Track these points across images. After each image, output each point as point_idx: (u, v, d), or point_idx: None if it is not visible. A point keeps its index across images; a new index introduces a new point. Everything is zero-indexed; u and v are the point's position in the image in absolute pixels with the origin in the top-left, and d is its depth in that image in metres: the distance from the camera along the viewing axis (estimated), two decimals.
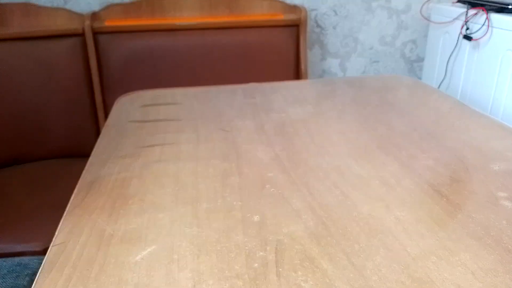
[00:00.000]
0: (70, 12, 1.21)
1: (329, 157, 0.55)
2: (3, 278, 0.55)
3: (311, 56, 1.48)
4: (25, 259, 0.61)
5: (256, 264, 0.36)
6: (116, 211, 0.45)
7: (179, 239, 0.40)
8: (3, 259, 0.63)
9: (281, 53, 1.29)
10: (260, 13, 1.31)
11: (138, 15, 1.25)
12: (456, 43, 1.25)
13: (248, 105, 0.75)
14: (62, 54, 1.16)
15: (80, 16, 1.20)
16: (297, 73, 1.31)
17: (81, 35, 1.16)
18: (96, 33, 1.17)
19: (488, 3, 1.14)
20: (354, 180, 0.50)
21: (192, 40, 1.24)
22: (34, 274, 0.37)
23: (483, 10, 1.14)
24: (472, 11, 1.18)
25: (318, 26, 1.44)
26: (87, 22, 1.15)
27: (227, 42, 1.25)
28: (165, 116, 0.71)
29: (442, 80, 1.35)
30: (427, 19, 1.44)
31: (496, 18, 1.11)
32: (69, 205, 0.46)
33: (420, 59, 1.55)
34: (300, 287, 0.34)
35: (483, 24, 1.13)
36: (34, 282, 0.36)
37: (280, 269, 0.36)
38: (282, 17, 1.28)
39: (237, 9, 1.30)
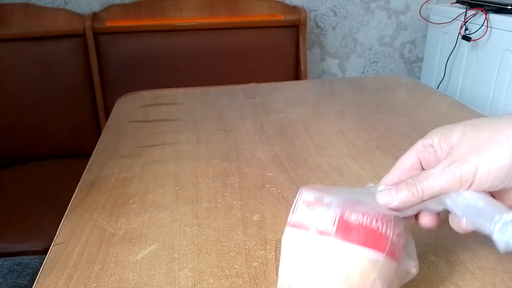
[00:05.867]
0: (70, 13, 1.21)
1: (328, 157, 0.56)
2: (4, 278, 0.55)
3: (310, 57, 1.48)
4: (26, 259, 0.61)
5: (256, 263, 0.37)
6: (117, 210, 0.45)
7: (179, 238, 0.40)
8: (4, 258, 0.63)
9: (280, 53, 1.30)
10: (260, 13, 1.31)
11: (139, 15, 1.25)
12: (455, 44, 1.26)
13: (248, 105, 0.76)
14: (62, 54, 1.17)
15: (80, 16, 1.20)
16: (296, 74, 1.31)
17: (82, 35, 1.16)
18: (96, 34, 1.18)
19: (487, 4, 1.15)
20: (353, 180, 0.50)
21: (192, 41, 1.24)
22: (35, 273, 0.37)
23: (481, 11, 1.14)
24: (471, 12, 1.18)
25: (318, 26, 1.45)
26: (88, 23, 1.15)
27: (227, 43, 1.26)
28: (165, 116, 0.72)
29: (441, 81, 1.35)
30: (426, 19, 1.44)
31: (495, 18, 1.11)
32: (70, 204, 0.46)
33: (419, 60, 1.55)
34: None
35: (482, 25, 1.13)
36: (35, 281, 0.36)
37: None
38: (281, 17, 1.28)
39: (237, 10, 1.30)
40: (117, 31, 1.19)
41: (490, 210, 0.26)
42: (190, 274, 0.36)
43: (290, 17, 1.27)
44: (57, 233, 0.42)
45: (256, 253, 0.38)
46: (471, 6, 1.19)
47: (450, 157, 0.27)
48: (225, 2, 1.29)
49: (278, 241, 0.39)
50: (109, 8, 1.24)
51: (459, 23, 1.22)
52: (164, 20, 1.26)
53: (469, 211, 0.26)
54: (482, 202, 0.26)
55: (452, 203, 0.27)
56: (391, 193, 0.28)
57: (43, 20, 1.19)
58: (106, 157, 0.57)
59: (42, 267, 0.37)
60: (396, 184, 0.28)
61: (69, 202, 0.47)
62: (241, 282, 0.35)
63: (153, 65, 1.22)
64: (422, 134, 0.31)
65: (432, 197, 0.27)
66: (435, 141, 0.29)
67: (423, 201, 0.28)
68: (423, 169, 0.30)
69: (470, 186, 0.26)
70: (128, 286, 0.35)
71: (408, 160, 0.31)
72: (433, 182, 0.27)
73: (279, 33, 1.28)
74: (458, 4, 1.28)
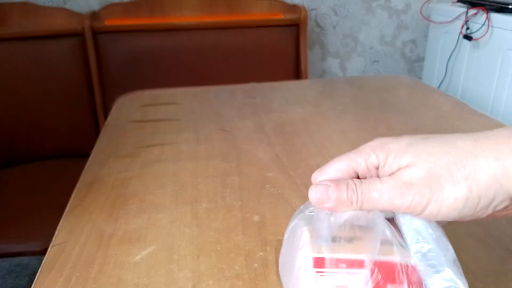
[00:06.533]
0: (69, 12, 1.20)
1: (329, 157, 0.55)
2: (3, 279, 0.55)
3: (311, 56, 1.48)
4: (24, 259, 0.61)
5: (256, 264, 0.36)
6: (116, 211, 0.44)
7: (178, 239, 0.40)
8: (3, 259, 0.63)
9: (281, 53, 1.29)
10: (260, 12, 1.31)
11: (138, 14, 1.25)
12: (456, 43, 1.25)
13: (248, 105, 0.75)
14: (61, 54, 1.16)
15: (79, 15, 1.19)
16: (297, 73, 1.31)
17: (81, 34, 1.16)
18: (95, 33, 1.17)
19: (488, 3, 1.14)
20: None
21: (192, 40, 1.24)
22: (34, 274, 0.36)
23: (483, 10, 1.14)
24: (472, 11, 1.18)
25: (318, 25, 1.44)
26: (87, 22, 1.15)
27: (226, 42, 1.25)
28: (165, 116, 0.71)
29: (442, 80, 1.35)
30: (427, 19, 1.44)
31: (496, 17, 1.11)
32: (68, 205, 0.46)
33: (420, 59, 1.55)
34: None
35: (483, 24, 1.13)
36: (34, 282, 0.36)
37: None
38: (282, 16, 1.28)
39: (237, 9, 1.30)
40: (116, 30, 1.19)
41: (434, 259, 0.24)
42: (190, 275, 0.35)
43: (291, 16, 1.27)
44: (55, 233, 0.41)
45: (256, 254, 0.38)
46: (472, 5, 1.19)
47: (400, 177, 0.24)
48: (225, 1, 1.28)
49: (278, 242, 0.39)
50: (108, 7, 1.23)
51: (460, 22, 1.22)
52: (164, 19, 1.25)
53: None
54: (430, 243, 0.24)
55: (402, 224, 0.25)
56: (329, 192, 0.25)
57: (41, 19, 1.19)
58: (105, 157, 0.57)
59: (40, 268, 0.37)
60: (336, 183, 0.25)
61: (68, 202, 0.47)
62: (241, 283, 0.34)
63: (153, 65, 1.21)
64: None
65: (370, 210, 0.25)
66: (381, 164, 0.26)
67: (360, 210, 0.25)
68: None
69: (418, 215, 0.24)
70: (127, 287, 0.34)
71: (343, 173, 0.27)
72: (377, 198, 0.24)
73: (279, 32, 1.28)
74: (459, 3, 1.27)
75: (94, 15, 1.20)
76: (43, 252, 0.39)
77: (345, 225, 0.26)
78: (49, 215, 0.63)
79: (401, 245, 0.25)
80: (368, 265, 0.24)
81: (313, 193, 0.26)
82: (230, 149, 0.58)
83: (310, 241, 0.26)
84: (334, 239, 0.25)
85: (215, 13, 1.29)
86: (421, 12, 1.46)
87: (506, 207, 0.23)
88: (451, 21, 1.28)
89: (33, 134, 1.17)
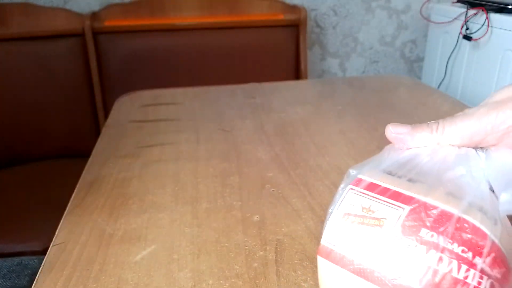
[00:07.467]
0: (69, 12, 1.21)
1: (329, 157, 0.55)
2: (3, 278, 0.55)
3: (310, 56, 1.48)
4: (25, 259, 0.61)
5: (256, 264, 0.36)
6: (116, 211, 0.45)
7: (179, 238, 0.40)
8: (3, 259, 0.63)
9: (280, 53, 1.29)
10: (260, 13, 1.31)
11: (138, 15, 1.25)
12: (456, 43, 1.25)
13: (248, 105, 0.75)
14: (62, 54, 1.16)
15: (79, 16, 1.19)
16: (296, 73, 1.31)
17: (81, 35, 1.16)
18: (96, 33, 1.17)
19: (488, 3, 1.14)
20: None
21: (192, 40, 1.24)
22: (34, 274, 0.37)
23: (482, 10, 1.14)
24: (471, 11, 1.18)
25: (318, 26, 1.44)
26: (87, 22, 1.15)
27: (226, 42, 1.25)
28: (165, 116, 0.71)
29: (442, 80, 1.35)
30: (427, 19, 1.44)
31: (496, 18, 1.11)
32: (69, 205, 0.46)
33: (420, 59, 1.55)
34: (300, 287, 0.34)
35: (483, 24, 1.13)
36: (34, 282, 0.36)
37: (280, 268, 0.36)
38: (282, 17, 1.28)
39: (237, 9, 1.30)
40: (116, 31, 1.19)
41: None
42: (190, 275, 0.35)
43: (290, 17, 1.27)
44: (56, 233, 0.42)
45: (256, 254, 0.38)
46: (472, 5, 1.19)
47: (486, 102, 0.23)
48: (224, 2, 1.28)
49: (278, 242, 0.39)
50: (108, 7, 1.23)
51: (460, 22, 1.22)
52: (164, 19, 1.25)
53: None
54: None
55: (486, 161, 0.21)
56: (407, 125, 0.24)
57: (42, 19, 1.19)
58: (105, 157, 0.57)
59: (41, 267, 0.37)
60: None
61: (68, 202, 0.47)
62: (241, 283, 0.34)
63: (153, 65, 1.22)
64: None
65: (452, 140, 0.22)
66: None
67: (441, 143, 0.23)
68: None
69: (502, 137, 0.21)
70: (128, 287, 0.34)
71: None
72: (459, 122, 0.22)
73: (279, 33, 1.28)
74: (459, 4, 1.27)
75: (94, 16, 1.20)
76: (43, 252, 0.39)
77: (410, 164, 0.22)
78: (49, 215, 0.63)
79: (478, 206, 0.19)
80: (414, 203, 0.19)
81: (391, 125, 0.24)
82: (230, 149, 0.58)
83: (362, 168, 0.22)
84: (391, 173, 0.22)
85: (215, 14, 1.29)
86: (420, 12, 1.46)
87: None
88: (450, 21, 1.28)
89: (33, 134, 1.17)
